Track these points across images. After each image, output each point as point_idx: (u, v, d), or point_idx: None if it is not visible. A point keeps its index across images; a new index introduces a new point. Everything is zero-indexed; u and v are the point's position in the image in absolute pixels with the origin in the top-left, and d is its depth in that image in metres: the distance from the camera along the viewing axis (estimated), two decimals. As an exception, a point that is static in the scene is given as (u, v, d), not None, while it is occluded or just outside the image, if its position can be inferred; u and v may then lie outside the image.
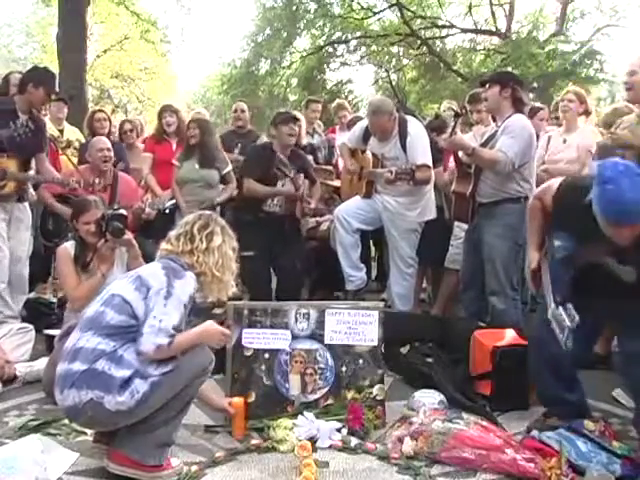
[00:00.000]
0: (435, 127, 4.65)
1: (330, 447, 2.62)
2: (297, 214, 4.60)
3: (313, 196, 4.75)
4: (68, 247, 3.37)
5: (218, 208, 4.80)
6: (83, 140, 5.44)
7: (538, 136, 4.26)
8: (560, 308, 2.49)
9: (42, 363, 3.30)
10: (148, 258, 3.13)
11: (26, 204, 4.22)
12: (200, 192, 4.90)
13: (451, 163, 4.66)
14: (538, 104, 5.45)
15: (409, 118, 4.56)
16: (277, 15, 16.73)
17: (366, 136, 4.59)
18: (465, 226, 4.35)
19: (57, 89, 4.32)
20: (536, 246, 2.80)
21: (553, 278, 2.64)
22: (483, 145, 3.91)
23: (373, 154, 4.51)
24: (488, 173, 3.83)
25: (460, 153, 3.95)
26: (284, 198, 4.51)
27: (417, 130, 4.42)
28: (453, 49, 17.54)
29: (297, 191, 4.52)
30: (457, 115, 4.15)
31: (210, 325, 2.47)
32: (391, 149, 4.43)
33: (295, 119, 4.59)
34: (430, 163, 4.36)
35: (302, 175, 4.64)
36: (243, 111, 5.70)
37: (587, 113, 4.45)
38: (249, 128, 5.80)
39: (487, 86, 3.91)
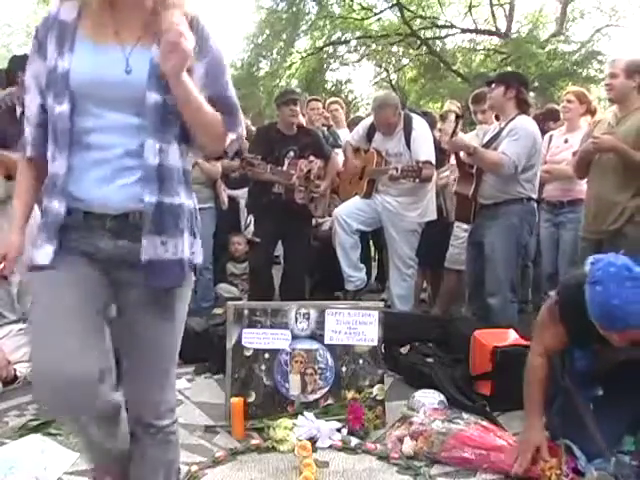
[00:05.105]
0: None
1: (330, 447, 2.62)
2: (297, 199, 4.49)
3: (326, 175, 4.65)
4: None
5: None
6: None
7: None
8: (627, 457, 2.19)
9: (42, 363, 3.30)
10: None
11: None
12: (199, 189, 4.91)
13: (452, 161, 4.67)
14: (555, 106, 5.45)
15: (414, 115, 4.57)
16: (278, 17, 16.71)
17: (370, 134, 4.58)
18: (465, 226, 4.34)
19: None
20: (537, 417, 2.43)
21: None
22: (486, 145, 3.88)
23: (377, 151, 4.50)
24: (490, 174, 3.82)
25: (462, 153, 3.93)
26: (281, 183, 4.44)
27: (421, 127, 4.42)
28: (453, 49, 17.51)
29: (293, 176, 4.40)
30: (457, 117, 4.15)
31: None
32: (395, 145, 4.42)
33: (294, 101, 4.55)
34: (433, 160, 4.35)
35: (312, 155, 4.55)
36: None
37: (592, 113, 4.38)
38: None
39: (492, 86, 3.91)
